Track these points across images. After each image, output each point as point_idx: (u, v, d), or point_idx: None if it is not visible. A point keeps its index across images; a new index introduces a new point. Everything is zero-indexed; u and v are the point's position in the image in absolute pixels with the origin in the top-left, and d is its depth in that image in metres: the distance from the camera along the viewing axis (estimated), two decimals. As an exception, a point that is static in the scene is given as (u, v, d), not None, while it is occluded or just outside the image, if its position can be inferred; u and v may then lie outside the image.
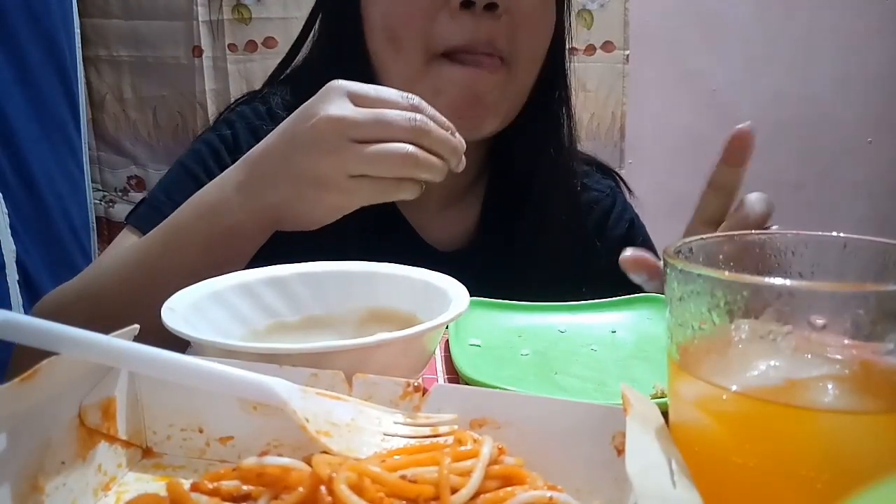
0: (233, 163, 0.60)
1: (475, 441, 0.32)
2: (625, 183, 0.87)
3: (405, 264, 0.51)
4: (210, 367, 0.33)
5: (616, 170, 0.91)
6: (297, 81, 0.75)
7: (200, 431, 0.37)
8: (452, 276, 0.48)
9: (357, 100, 0.52)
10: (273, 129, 0.58)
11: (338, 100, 0.51)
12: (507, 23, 0.63)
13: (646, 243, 0.83)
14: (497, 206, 0.76)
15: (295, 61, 0.77)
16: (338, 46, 0.68)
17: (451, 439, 0.33)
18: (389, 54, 0.64)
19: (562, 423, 0.33)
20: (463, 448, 0.31)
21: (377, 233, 0.66)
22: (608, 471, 0.31)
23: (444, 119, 0.53)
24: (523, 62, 0.65)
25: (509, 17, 0.63)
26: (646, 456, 0.27)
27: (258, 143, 0.60)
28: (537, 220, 0.73)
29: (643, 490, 0.24)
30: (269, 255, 0.60)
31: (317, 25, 0.74)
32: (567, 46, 0.73)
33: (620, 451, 0.32)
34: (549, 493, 0.29)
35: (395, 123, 0.50)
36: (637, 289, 0.49)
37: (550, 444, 0.33)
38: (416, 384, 0.35)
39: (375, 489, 0.28)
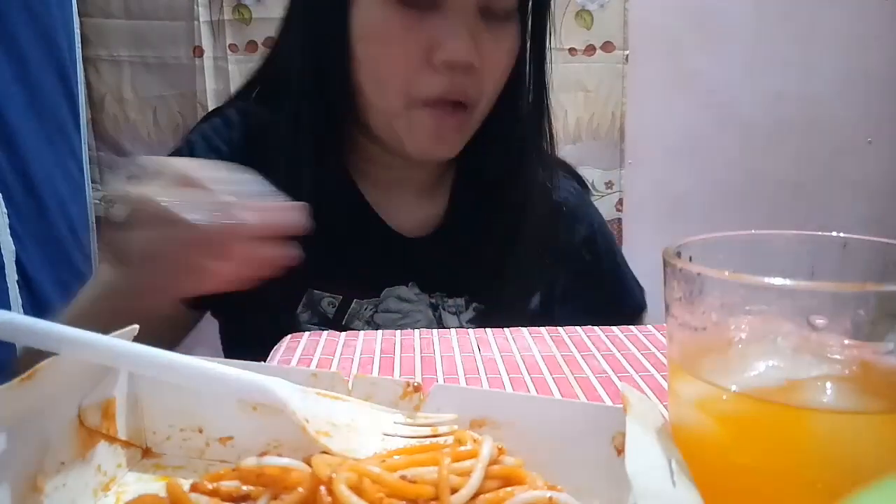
0: None
1: (475, 441, 0.32)
2: (585, 185, 0.89)
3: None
4: (210, 367, 0.33)
5: (615, 170, 0.91)
6: (264, 94, 0.77)
7: (200, 431, 0.37)
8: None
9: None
10: (233, 142, 0.68)
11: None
12: (476, 74, 0.66)
13: (609, 245, 0.85)
14: (465, 196, 0.78)
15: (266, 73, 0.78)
16: (320, 70, 0.69)
17: (450, 439, 0.33)
18: (374, 91, 0.68)
19: (562, 423, 0.33)
20: (463, 448, 0.31)
21: (345, 221, 0.71)
22: (608, 471, 0.31)
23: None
24: (482, 103, 0.69)
25: (478, 70, 0.66)
26: (646, 456, 0.27)
27: (218, 159, 0.65)
28: (501, 213, 0.75)
29: (643, 490, 0.24)
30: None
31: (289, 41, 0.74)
32: (548, 52, 0.74)
33: (620, 451, 0.32)
34: (549, 493, 0.29)
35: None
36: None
37: (550, 444, 0.33)
38: (416, 384, 0.35)
39: (375, 489, 0.28)
